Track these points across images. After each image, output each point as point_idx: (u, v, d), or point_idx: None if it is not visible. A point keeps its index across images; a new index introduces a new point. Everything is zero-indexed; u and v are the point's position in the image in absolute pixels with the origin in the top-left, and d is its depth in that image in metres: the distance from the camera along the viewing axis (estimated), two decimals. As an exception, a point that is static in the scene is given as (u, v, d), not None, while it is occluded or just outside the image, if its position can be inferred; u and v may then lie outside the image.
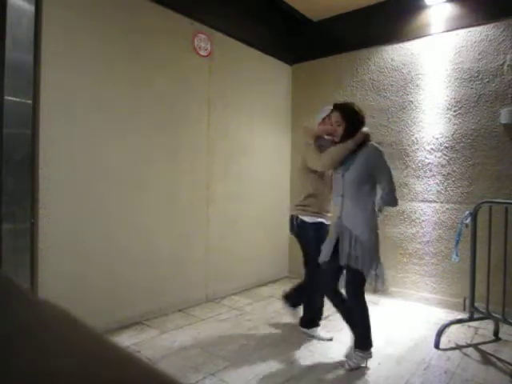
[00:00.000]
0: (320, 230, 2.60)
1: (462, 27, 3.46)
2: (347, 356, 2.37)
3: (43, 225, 2.43)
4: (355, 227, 2.25)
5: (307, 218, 2.63)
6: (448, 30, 3.53)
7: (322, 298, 2.73)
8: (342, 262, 2.27)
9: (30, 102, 2.35)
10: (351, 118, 2.30)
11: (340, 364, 2.35)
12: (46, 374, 0.23)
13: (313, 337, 2.72)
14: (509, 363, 2.41)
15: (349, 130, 2.29)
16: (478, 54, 3.39)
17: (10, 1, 2.22)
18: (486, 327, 2.94)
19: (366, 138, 2.32)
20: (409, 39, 3.77)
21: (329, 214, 2.61)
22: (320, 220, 2.63)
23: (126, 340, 2.62)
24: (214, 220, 3.64)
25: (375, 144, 2.33)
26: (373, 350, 2.36)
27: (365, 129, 2.35)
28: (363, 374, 2.24)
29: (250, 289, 3.99)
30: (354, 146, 2.28)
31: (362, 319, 2.33)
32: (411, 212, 3.73)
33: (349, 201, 2.28)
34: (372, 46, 4.01)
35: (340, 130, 2.32)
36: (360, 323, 2.34)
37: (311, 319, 2.77)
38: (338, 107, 2.35)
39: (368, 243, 2.22)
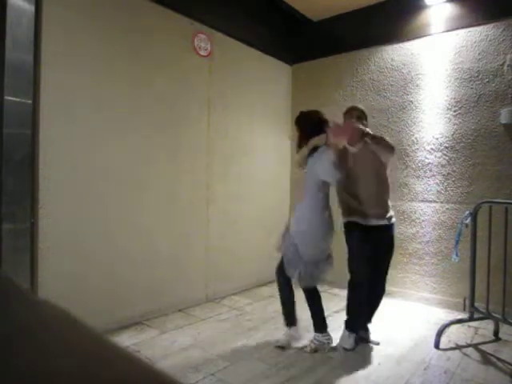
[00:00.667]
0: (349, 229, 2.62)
1: (462, 27, 3.46)
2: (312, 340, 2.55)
3: (43, 225, 2.43)
4: (295, 223, 2.47)
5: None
6: (448, 30, 3.53)
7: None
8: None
9: (30, 102, 2.35)
10: (304, 126, 2.52)
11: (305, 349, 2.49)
12: (46, 374, 0.23)
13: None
14: (509, 363, 2.41)
15: (303, 137, 2.51)
16: (478, 54, 3.39)
17: (10, 1, 2.22)
18: (486, 327, 2.94)
19: (317, 144, 2.47)
20: (409, 39, 3.77)
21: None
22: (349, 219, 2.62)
23: (126, 340, 2.62)
24: (214, 220, 3.64)
25: (323, 147, 2.45)
26: (373, 349, 2.36)
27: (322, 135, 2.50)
28: (363, 374, 2.24)
29: (249, 289, 3.99)
30: (308, 151, 2.47)
31: (312, 303, 2.55)
32: (411, 212, 3.73)
33: (302, 197, 2.49)
34: (372, 45, 4.01)
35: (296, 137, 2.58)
36: (310, 307, 2.56)
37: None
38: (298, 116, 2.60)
39: (297, 239, 2.42)
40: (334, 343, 2.56)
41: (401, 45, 3.83)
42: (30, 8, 2.33)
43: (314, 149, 2.44)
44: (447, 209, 3.55)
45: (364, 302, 2.57)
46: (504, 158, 3.26)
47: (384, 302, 2.70)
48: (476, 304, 2.78)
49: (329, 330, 2.56)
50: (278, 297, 2.68)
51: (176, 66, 3.24)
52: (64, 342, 0.28)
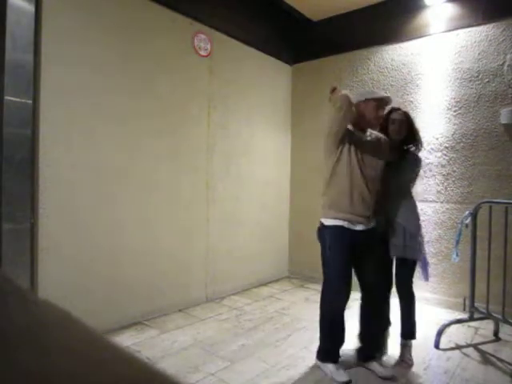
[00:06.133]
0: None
1: (462, 27, 3.45)
2: (402, 355, 2.39)
3: (43, 225, 2.43)
4: (406, 221, 2.32)
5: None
6: (448, 30, 3.53)
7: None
8: (397, 254, 2.34)
9: (30, 102, 2.35)
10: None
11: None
12: (46, 375, 0.23)
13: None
14: (509, 363, 2.41)
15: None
16: (478, 54, 3.39)
17: (9, 1, 2.22)
18: (486, 327, 2.94)
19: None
20: (409, 39, 3.77)
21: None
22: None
23: (125, 340, 2.62)
24: (214, 220, 3.64)
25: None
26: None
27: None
28: (363, 374, 2.24)
29: (249, 289, 3.99)
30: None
31: (414, 310, 2.40)
32: (411, 212, 3.73)
33: (397, 200, 2.37)
34: (372, 45, 4.01)
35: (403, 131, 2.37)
36: (413, 315, 2.39)
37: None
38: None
39: (418, 233, 2.33)
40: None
41: (401, 45, 3.83)
42: (30, 8, 2.33)
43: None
44: (447, 209, 3.54)
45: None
46: (504, 158, 3.26)
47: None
48: (476, 304, 2.78)
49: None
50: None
51: (176, 66, 3.24)
52: (64, 342, 0.28)
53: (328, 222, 2.23)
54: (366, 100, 2.21)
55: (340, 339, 2.27)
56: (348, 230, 2.19)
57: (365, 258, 2.27)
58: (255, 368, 2.29)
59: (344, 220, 2.19)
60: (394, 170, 2.36)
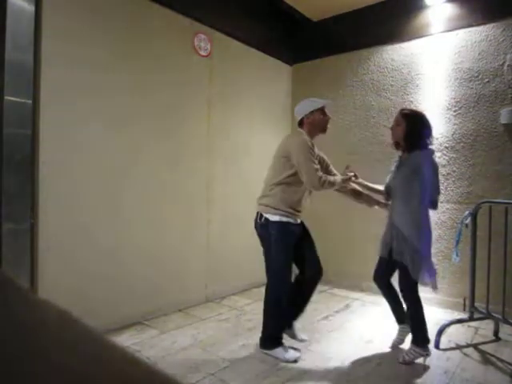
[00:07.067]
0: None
1: (462, 27, 3.45)
2: (406, 351, 2.43)
3: (43, 225, 2.43)
4: (402, 225, 2.34)
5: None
6: (448, 30, 3.53)
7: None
8: (390, 254, 2.40)
9: (30, 102, 2.35)
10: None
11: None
12: (46, 375, 0.23)
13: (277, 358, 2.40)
14: (509, 363, 2.41)
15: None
16: (478, 54, 3.39)
17: (10, 1, 2.22)
18: (486, 327, 2.94)
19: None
20: (409, 39, 3.77)
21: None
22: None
23: (125, 340, 2.62)
24: (214, 220, 3.64)
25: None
26: (372, 349, 2.35)
27: None
28: (363, 374, 2.24)
29: (249, 289, 3.99)
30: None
31: (416, 315, 2.39)
32: (411, 212, 3.73)
33: (397, 201, 2.41)
34: (372, 46, 4.01)
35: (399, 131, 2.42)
36: (413, 319, 2.40)
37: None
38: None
39: (413, 241, 2.29)
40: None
41: (401, 45, 3.83)
42: (30, 8, 2.33)
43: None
44: (447, 209, 3.54)
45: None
46: (504, 158, 3.26)
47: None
48: (476, 304, 2.78)
49: (329, 329, 2.56)
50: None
51: (176, 66, 3.24)
52: (64, 342, 0.28)
53: (275, 218, 2.44)
54: (311, 112, 2.45)
55: (285, 323, 2.52)
56: (293, 224, 2.44)
57: (304, 244, 2.53)
58: (255, 368, 2.29)
59: (292, 215, 2.42)
60: (397, 171, 2.42)
